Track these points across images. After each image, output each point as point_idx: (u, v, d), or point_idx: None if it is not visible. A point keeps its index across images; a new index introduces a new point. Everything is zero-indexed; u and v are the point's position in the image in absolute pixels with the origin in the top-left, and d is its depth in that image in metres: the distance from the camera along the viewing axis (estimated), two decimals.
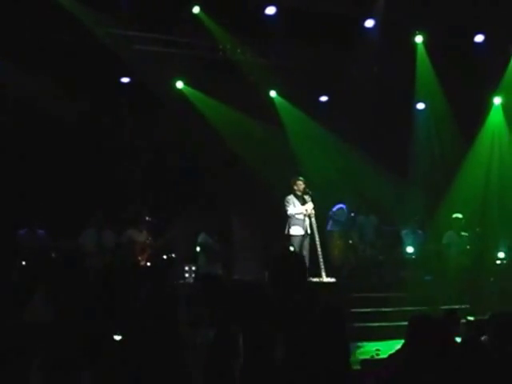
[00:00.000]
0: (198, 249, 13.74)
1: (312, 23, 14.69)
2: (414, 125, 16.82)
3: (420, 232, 15.50)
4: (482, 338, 6.99)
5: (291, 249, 13.51)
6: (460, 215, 14.77)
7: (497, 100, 16.47)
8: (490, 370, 5.89)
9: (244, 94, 15.30)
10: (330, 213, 15.10)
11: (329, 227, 15.14)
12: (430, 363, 5.76)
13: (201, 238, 13.65)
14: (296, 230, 13.65)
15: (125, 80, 15.76)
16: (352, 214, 15.36)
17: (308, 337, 5.01)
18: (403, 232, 15.48)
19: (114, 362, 6.06)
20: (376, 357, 9.45)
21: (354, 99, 15.39)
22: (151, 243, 13.76)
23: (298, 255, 5.32)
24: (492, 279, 14.25)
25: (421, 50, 16.04)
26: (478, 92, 15.84)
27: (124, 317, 7.99)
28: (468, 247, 14.65)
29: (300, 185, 13.79)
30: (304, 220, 13.67)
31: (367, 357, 9.30)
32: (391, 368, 6.47)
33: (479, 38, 15.80)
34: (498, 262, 14.90)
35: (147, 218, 14.05)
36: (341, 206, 15.09)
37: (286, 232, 13.71)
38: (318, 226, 13.77)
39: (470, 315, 11.39)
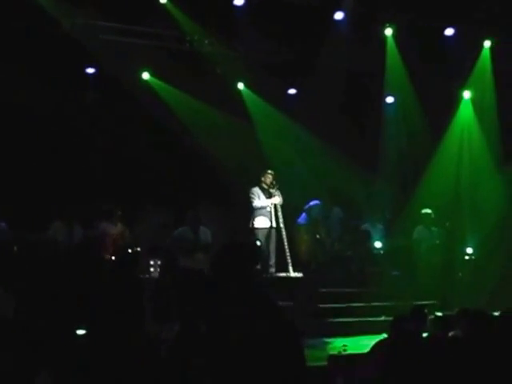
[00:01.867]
0: (169, 243, 13.46)
1: (281, 15, 14.57)
2: (383, 118, 16.70)
3: (380, 227, 15.40)
4: (450, 334, 6.91)
5: (257, 243, 13.39)
6: (429, 210, 14.71)
7: (466, 94, 16.40)
8: (457, 365, 5.80)
9: (211, 86, 15.12)
10: (306, 207, 14.90)
11: (300, 220, 14.93)
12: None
13: (177, 232, 13.39)
14: (261, 223, 13.57)
15: (90, 70, 15.49)
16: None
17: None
18: (364, 226, 15.38)
19: (78, 357, 5.89)
20: (343, 352, 9.30)
21: (322, 92, 15.21)
22: (127, 236, 13.58)
23: (248, 245, 5.17)
24: (460, 274, 14.21)
25: (390, 43, 15.93)
26: (448, 86, 15.80)
27: (88, 311, 7.81)
28: (437, 242, 14.56)
29: (268, 178, 13.70)
30: (270, 213, 13.55)
31: (335, 352, 9.15)
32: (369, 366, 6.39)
33: (449, 32, 15.71)
34: (467, 257, 14.86)
35: (119, 213, 13.85)
36: (317, 201, 14.89)
37: (251, 225, 13.58)
38: (285, 221, 13.68)
39: (438, 310, 11.37)
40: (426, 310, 8.24)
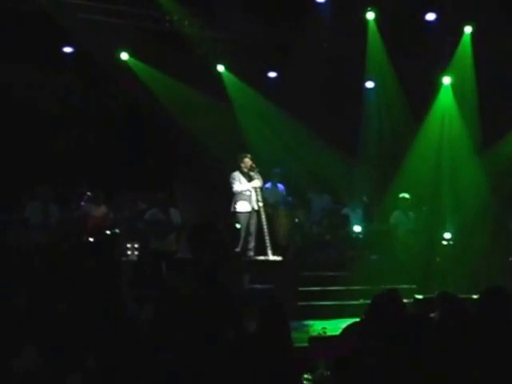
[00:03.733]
0: (141, 225, 13.39)
1: None
2: (363, 103, 16.63)
3: (360, 211, 15.38)
4: (432, 315, 6.90)
5: (237, 226, 13.34)
6: (407, 195, 14.69)
7: (446, 80, 16.36)
8: (437, 343, 5.78)
9: (191, 68, 14.98)
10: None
11: (265, 186, 14.65)
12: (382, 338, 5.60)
13: (148, 213, 13.32)
14: (242, 207, 13.48)
15: (68, 50, 15.29)
16: (289, 198, 15.04)
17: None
18: (344, 210, 15.35)
19: (59, 334, 5.81)
20: (323, 335, 9.24)
21: (303, 76, 15.11)
22: (109, 219, 13.49)
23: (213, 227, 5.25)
24: (438, 259, 14.22)
25: (372, 27, 15.85)
26: (429, 71, 15.75)
27: (69, 290, 7.71)
28: (414, 227, 14.56)
29: (247, 162, 13.60)
30: (250, 197, 13.48)
31: (315, 334, 9.09)
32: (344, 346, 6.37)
33: (431, 17, 15.67)
34: (445, 242, 14.85)
35: (88, 193, 13.74)
36: (267, 185, 14.72)
37: (232, 209, 13.50)
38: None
39: (418, 294, 11.38)
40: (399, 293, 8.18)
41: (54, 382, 5.30)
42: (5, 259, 9.85)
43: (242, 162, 13.58)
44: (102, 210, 13.62)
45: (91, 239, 13.18)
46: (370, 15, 15.75)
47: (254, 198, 13.48)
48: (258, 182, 13.54)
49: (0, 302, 6.88)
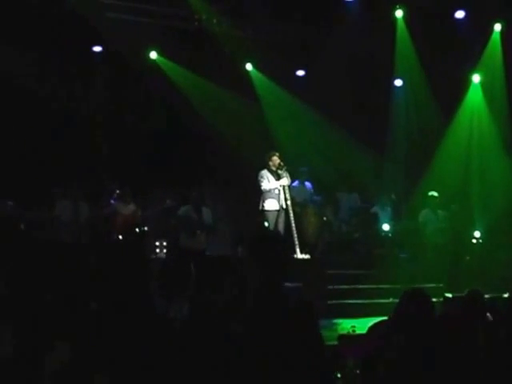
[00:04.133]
0: (174, 222, 13.40)
1: None
2: (392, 101, 16.58)
3: (389, 209, 15.34)
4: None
5: (265, 224, 13.35)
6: (435, 193, 14.59)
7: (476, 78, 16.28)
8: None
9: (219, 66, 15.07)
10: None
11: (293, 185, 14.66)
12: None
13: (182, 210, 13.33)
14: (270, 205, 13.48)
15: (97, 49, 15.40)
16: (316, 197, 15.02)
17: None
18: (373, 208, 15.33)
19: (91, 333, 5.86)
20: (352, 333, 9.25)
21: (331, 74, 15.09)
22: (138, 216, 13.55)
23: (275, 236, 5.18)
24: (468, 258, 14.13)
25: (401, 24, 15.81)
26: (458, 69, 15.66)
27: (99, 289, 7.79)
28: (443, 225, 14.47)
29: (275, 160, 13.58)
30: (279, 195, 13.47)
31: (344, 332, 9.11)
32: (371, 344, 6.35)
33: (460, 14, 15.59)
34: (474, 240, 14.77)
35: (117, 191, 13.81)
36: (294, 183, 14.74)
37: (261, 207, 13.52)
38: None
39: (448, 292, 11.31)
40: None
41: (84, 380, 5.36)
42: (35, 256, 9.94)
43: (270, 160, 13.58)
44: (130, 207, 13.67)
45: (120, 237, 13.26)
46: (399, 13, 15.72)
47: (282, 196, 13.47)
48: (285, 181, 13.53)
49: (32, 299, 6.96)
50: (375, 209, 15.24)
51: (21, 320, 6.35)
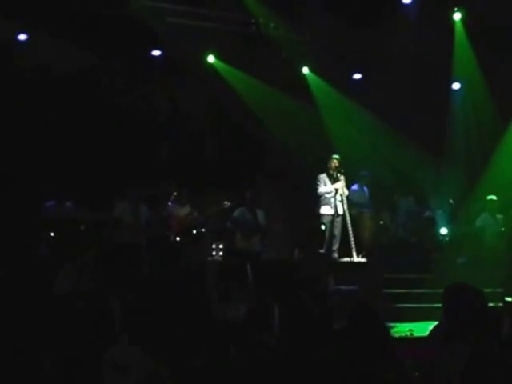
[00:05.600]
0: (230, 224, 13.46)
1: None
2: (450, 104, 16.45)
3: (445, 213, 15.23)
4: None
5: (322, 227, 13.36)
6: (494, 197, 14.44)
7: None
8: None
9: (276, 70, 15.10)
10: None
11: (352, 188, 14.70)
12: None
13: (237, 212, 13.38)
14: (325, 209, 13.58)
15: (156, 53, 15.57)
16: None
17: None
18: (428, 212, 15.21)
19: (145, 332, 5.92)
20: (410, 336, 9.22)
21: (389, 77, 15.05)
22: (195, 217, 13.64)
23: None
24: None
25: (459, 27, 15.67)
26: None
27: (153, 291, 7.87)
28: (503, 229, 14.30)
29: (333, 163, 13.62)
30: (335, 199, 13.49)
31: (402, 335, 9.08)
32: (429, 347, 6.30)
33: None
34: None
35: (175, 193, 13.93)
36: (353, 187, 14.76)
37: (318, 211, 13.56)
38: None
39: (508, 296, 11.17)
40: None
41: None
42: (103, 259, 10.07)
43: (329, 163, 13.65)
44: (185, 209, 13.77)
45: (178, 239, 13.37)
46: (457, 16, 15.58)
47: (338, 199, 13.50)
48: (340, 184, 13.56)
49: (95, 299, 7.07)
50: (431, 213, 15.12)
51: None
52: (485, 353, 5.30)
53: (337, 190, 13.58)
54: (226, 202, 13.88)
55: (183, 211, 13.72)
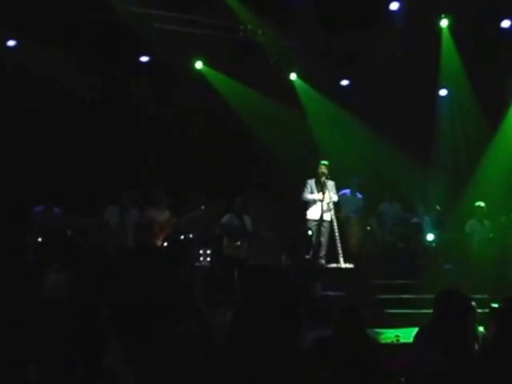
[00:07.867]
0: (218, 230, 13.49)
1: (335, 5, 14.51)
2: (437, 111, 16.51)
3: (432, 219, 15.25)
4: None
5: (309, 233, 13.42)
6: (482, 203, 14.47)
7: None
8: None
9: (264, 76, 15.13)
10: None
11: (343, 192, 14.78)
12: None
13: (225, 218, 13.41)
14: (311, 215, 13.62)
15: (144, 59, 15.58)
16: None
17: None
18: (415, 219, 15.24)
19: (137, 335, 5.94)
20: (396, 342, 9.24)
21: (376, 84, 15.08)
22: (175, 222, 13.60)
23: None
24: None
25: (446, 34, 15.71)
26: (504, 79, 15.53)
27: (140, 296, 7.86)
28: (490, 236, 14.34)
29: (321, 169, 13.66)
30: (321, 205, 13.53)
31: (388, 342, 9.10)
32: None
33: (506, 24, 15.46)
34: None
35: (164, 200, 13.91)
36: (345, 191, 14.81)
37: (306, 215, 13.65)
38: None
39: (494, 302, 11.20)
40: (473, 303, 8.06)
41: None
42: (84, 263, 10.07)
43: (317, 169, 13.71)
44: (165, 215, 13.72)
45: (165, 244, 13.35)
46: (444, 22, 15.62)
47: (325, 206, 13.53)
48: (325, 194, 13.59)
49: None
50: (418, 219, 15.15)
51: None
52: (466, 353, 5.36)
53: (322, 197, 13.59)
54: (202, 207, 13.92)
55: (163, 216, 13.67)
